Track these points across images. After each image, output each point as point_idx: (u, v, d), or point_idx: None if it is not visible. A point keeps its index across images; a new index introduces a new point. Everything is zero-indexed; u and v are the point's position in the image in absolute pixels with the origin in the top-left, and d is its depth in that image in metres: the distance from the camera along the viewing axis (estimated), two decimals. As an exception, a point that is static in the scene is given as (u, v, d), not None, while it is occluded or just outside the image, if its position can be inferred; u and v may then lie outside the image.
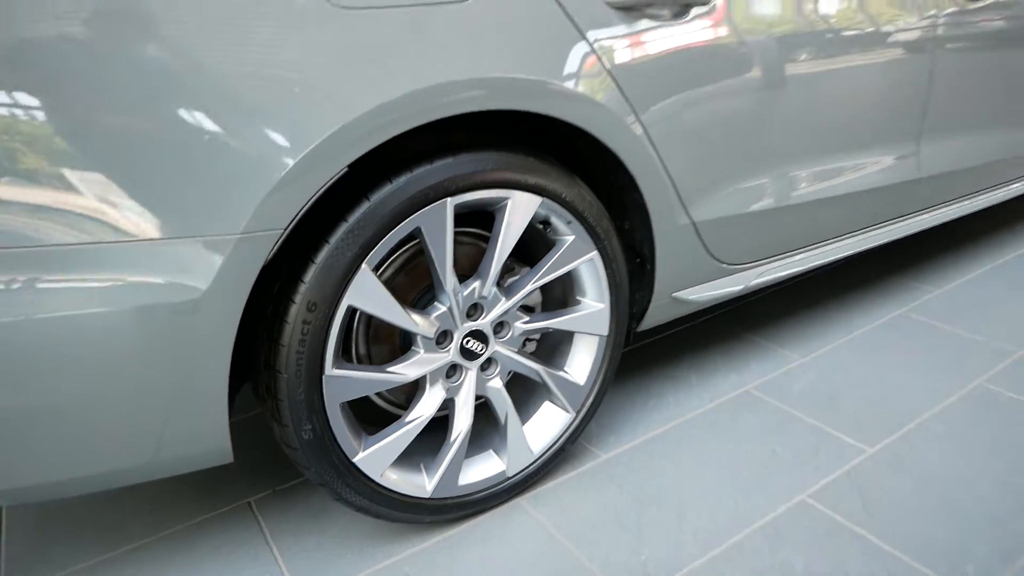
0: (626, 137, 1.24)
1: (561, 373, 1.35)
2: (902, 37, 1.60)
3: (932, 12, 1.64)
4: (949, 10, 1.67)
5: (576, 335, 1.38)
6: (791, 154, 1.51)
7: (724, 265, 1.51)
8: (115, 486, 1.04)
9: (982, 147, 1.93)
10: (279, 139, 0.92)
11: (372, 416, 1.33)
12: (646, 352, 1.88)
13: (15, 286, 0.85)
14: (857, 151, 1.63)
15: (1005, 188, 2.12)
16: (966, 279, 2.20)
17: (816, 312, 2.05)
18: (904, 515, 1.27)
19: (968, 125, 1.85)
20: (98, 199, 0.86)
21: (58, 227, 0.85)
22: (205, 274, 0.92)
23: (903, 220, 1.85)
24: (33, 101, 0.82)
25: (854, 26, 1.51)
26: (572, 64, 1.15)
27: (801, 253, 1.66)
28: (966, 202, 2.00)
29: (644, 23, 1.22)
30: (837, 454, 1.45)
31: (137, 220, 0.88)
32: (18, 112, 0.82)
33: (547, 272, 1.25)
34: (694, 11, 1.27)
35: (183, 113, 0.88)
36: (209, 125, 0.89)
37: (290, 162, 0.93)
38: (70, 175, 0.85)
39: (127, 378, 0.93)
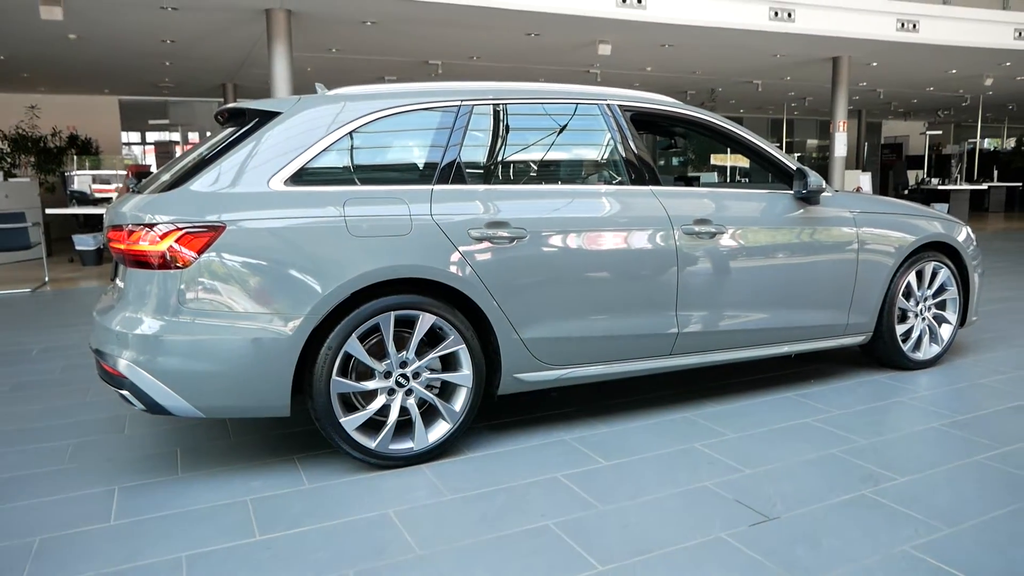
0: (480, 295, 2.79)
1: (447, 404, 2.82)
2: (657, 254, 3.11)
3: (674, 243, 3.15)
4: (688, 243, 3.18)
5: (457, 385, 2.85)
6: (582, 310, 2.99)
7: (542, 363, 2.97)
8: (248, 416, 2.57)
9: (725, 320, 3.32)
10: (326, 282, 2.53)
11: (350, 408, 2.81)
12: (518, 453, 3.28)
13: (246, 325, 2.46)
14: (631, 312, 3.09)
15: (753, 350, 3.46)
16: (753, 430, 3.50)
17: (627, 434, 3.40)
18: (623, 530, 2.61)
19: (710, 305, 3.27)
20: (268, 301, 2.48)
21: (256, 305, 2.47)
22: (295, 324, 2.50)
23: (672, 358, 3.25)
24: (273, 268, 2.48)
25: (623, 245, 3.03)
26: (453, 261, 2.73)
27: (596, 366, 3.09)
28: (722, 355, 3.36)
29: (490, 244, 2.80)
30: (579, 503, 2.79)
31: (277, 306, 2.49)
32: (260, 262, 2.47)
33: (439, 351, 2.77)
34: (517, 240, 2.85)
35: (300, 276, 2.51)
36: (305, 277, 2.51)
37: (329, 290, 2.53)
38: (261, 299, 2.48)
39: (263, 363, 2.49)
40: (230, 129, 2.89)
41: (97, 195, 10.18)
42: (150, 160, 15.80)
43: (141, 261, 2.52)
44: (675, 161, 20.63)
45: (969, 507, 2.39)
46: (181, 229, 2.49)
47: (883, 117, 23.97)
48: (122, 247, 2.55)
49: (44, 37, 9.22)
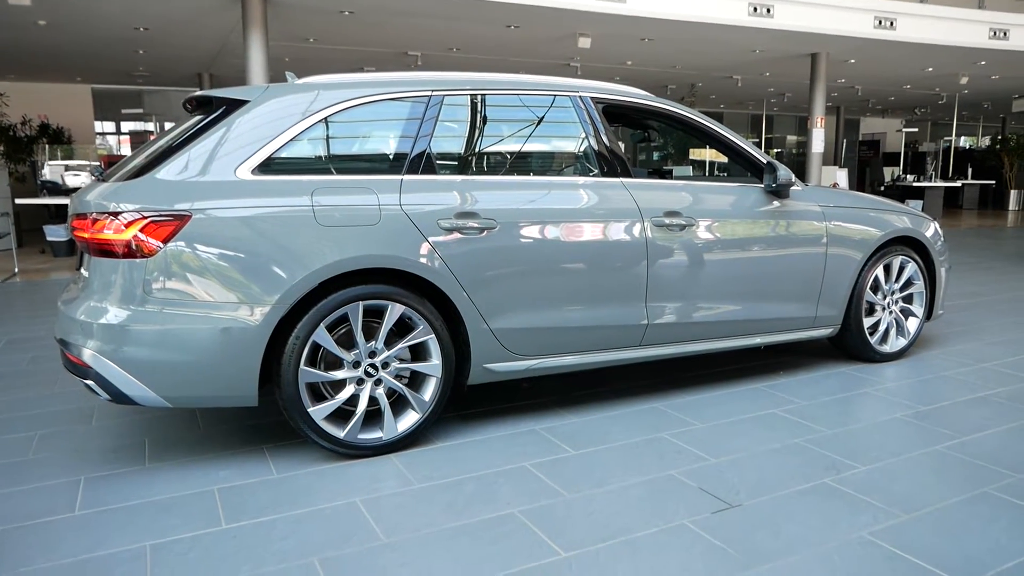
0: (449, 285, 2.79)
1: (417, 394, 2.82)
2: (627, 246, 3.13)
3: (644, 235, 3.17)
4: (658, 235, 3.20)
5: (426, 375, 2.85)
6: (552, 301, 3.01)
7: (511, 353, 2.98)
8: (216, 406, 2.56)
9: (694, 312, 3.36)
10: (295, 271, 2.52)
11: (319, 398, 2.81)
12: (488, 442, 3.30)
13: (213, 315, 2.44)
14: (601, 303, 3.11)
15: (722, 341, 3.50)
16: (718, 409, 3.54)
17: (597, 424, 3.43)
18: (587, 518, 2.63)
19: (679, 297, 3.30)
20: (235, 290, 2.47)
21: (223, 294, 2.46)
22: (262, 313, 2.49)
23: (642, 349, 3.28)
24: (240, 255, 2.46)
25: (593, 237, 3.05)
26: (422, 251, 2.73)
27: (566, 357, 3.11)
28: (691, 346, 3.40)
29: (460, 235, 2.81)
30: (546, 492, 2.81)
31: (244, 296, 2.48)
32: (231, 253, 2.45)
33: (408, 341, 2.77)
34: (487, 231, 2.86)
35: (267, 265, 2.50)
36: (272, 266, 2.50)
37: (297, 279, 2.52)
38: (228, 288, 2.47)
39: (229, 353, 2.48)
40: (197, 117, 2.86)
41: (72, 186, 10.02)
42: (125, 150, 15.59)
43: (106, 250, 2.49)
44: (655, 156, 20.72)
45: (927, 495, 2.44)
46: (146, 218, 2.47)
47: (861, 114, 24.20)
48: (86, 235, 2.53)
49: (12, 23, 9.05)
